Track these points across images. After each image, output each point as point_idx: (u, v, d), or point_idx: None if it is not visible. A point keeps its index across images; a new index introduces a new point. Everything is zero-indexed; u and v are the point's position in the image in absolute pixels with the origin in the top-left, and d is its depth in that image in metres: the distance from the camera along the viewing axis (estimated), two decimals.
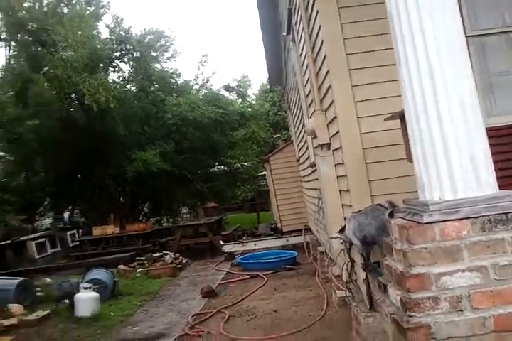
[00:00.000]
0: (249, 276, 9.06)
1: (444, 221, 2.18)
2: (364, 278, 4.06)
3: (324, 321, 5.74)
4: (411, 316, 2.12)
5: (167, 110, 15.73)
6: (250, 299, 7.33)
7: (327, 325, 5.59)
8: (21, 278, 8.20)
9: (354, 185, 4.05)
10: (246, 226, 17.35)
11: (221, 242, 12.09)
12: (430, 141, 2.30)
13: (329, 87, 4.30)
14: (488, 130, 3.69)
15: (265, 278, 8.58)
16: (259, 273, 8.98)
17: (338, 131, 4.23)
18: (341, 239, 3.91)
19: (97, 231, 14.17)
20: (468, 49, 3.99)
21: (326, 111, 4.87)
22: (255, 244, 11.52)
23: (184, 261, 11.57)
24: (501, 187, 2.39)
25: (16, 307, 7.38)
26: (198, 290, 8.21)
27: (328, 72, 4.27)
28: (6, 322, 6.70)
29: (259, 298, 7.28)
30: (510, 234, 2.16)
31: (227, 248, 11.59)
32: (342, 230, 3.91)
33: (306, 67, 5.55)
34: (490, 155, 2.34)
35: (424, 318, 2.12)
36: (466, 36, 4.09)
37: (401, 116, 2.71)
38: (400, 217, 2.52)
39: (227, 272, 9.92)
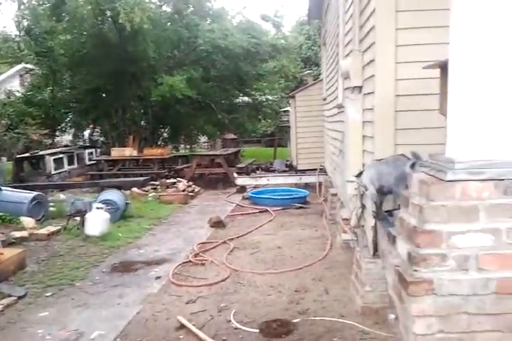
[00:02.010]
0: (258, 211, 9.18)
1: (468, 180, 2.12)
2: (373, 225, 4.07)
3: (326, 261, 5.85)
4: (416, 270, 2.13)
5: (200, 35, 15.29)
6: (256, 233, 7.46)
7: (328, 265, 5.70)
8: (36, 193, 8.35)
9: (380, 131, 3.96)
10: (262, 161, 17.40)
11: (235, 174, 12.16)
12: (471, 95, 2.18)
13: (372, 27, 4.08)
14: None
15: (273, 214, 8.69)
16: (268, 209, 9.09)
17: (373, 75, 4.07)
18: (357, 183, 3.88)
19: (115, 152, 14.31)
20: None
21: (364, 52, 4.67)
22: (268, 179, 11.57)
23: (196, 190, 11.71)
24: None
25: (28, 221, 7.59)
26: (206, 219, 8.36)
27: (373, 11, 4.03)
28: (17, 234, 6.91)
29: (265, 233, 7.41)
30: None
31: (240, 181, 11.67)
32: (359, 175, 3.87)
33: (351, 2, 5.26)
34: None
35: (428, 274, 2.12)
36: None
37: (442, 66, 2.56)
38: (423, 172, 2.46)
39: (237, 204, 10.05)
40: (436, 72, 3.00)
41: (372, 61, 4.08)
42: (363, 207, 4.66)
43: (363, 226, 4.70)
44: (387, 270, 2.66)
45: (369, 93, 4.25)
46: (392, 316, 3.94)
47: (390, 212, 3.55)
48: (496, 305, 2.14)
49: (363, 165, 4.39)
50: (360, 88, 4.74)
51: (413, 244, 2.16)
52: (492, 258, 2.12)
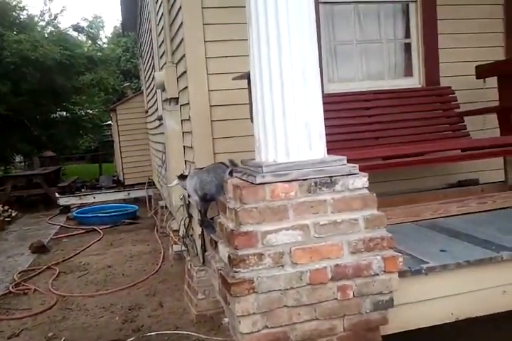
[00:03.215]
0: (84, 231, 8.76)
1: (275, 182, 2.27)
2: (200, 233, 4.14)
3: (159, 275, 5.81)
4: (236, 271, 2.20)
5: (5, 47, 14.05)
6: (84, 254, 7.12)
7: (161, 279, 5.67)
8: None
9: (198, 141, 4.04)
10: (87, 178, 16.62)
11: (57, 194, 11.43)
12: (270, 103, 2.35)
13: (182, 40, 4.16)
14: (327, 96, 3.96)
15: (102, 233, 8.38)
16: (95, 228, 8.73)
17: (186, 87, 4.14)
18: (181, 186, 3.89)
19: None
20: (319, 15, 4.18)
21: (177, 64, 4.73)
22: (94, 197, 11.13)
23: (14, 214, 10.73)
24: (332, 151, 2.55)
25: None
26: (27, 245, 7.72)
27: (181, 24, 4.12)
28: None
29: (94, 253, 7.11)
30: (332, 196, 2.33)
31: (63, 200, 11.02)
32: (181, 177, 3.88)
33: (161, 15, 5.31)
34: (323, 122, 2.46)
35: (248, 273, 2.21)
36: (318, 2, 4.25)
37: (248, 77, 2.72)
38: (237, 177, 2.57)
39: (62, 226, 9.47)
40: (245, 83, 3.17)
41: (184, 73, 4.16)
42: (190, 216, 4.72)
43: (191, 235, 4.75)
44: (213, 275, 2.72)
45: (185, 104, 4.32)
46: (226, 320, 4.04)
47: (214, 219, 3.64)
48: (311, 295, 2.31)
49: (185, 169, 4.44)
50: (176, 99, 4.79)
51: (232, 247, 2.24)
52: (303, 252, 2.28)
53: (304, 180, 2.31)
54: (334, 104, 4.14)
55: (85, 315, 4.73)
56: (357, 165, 2.42)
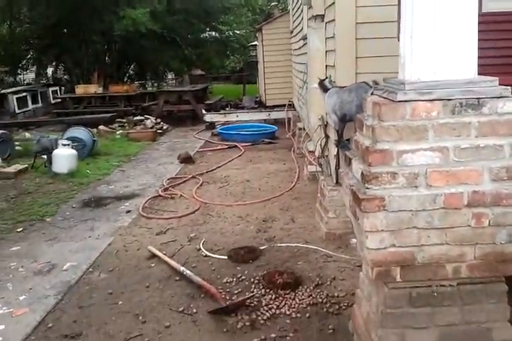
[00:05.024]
0: (227, 146, 9.26)
1: (417, 100, 2.17)
2: (335, 154, 4.17)
3: (293, 192, 6.03)
4: (368, 188, 2.22)
5: None
6: (225, 168, 7.57)
7: (295, 196, 5.88)
8: (0, 131, 8.22)
9: (341, 60, 3.96)
10: (231, 98, 17.23)
11: (203, 111, 12.07)
12: (419, 15, 2.20)
13: None
14: (485, 15, 3.57)
15: (242, 149, 8.79)
16: (237, 144, 9.16)
17: (334, 2, 4.00)
18: (319, 88, 3.88)
19: (80, 90, 13.94)
20: None
21: None
22: (237, 116, 11.55)
23: (165, 127, 11.64)
24: (485, 75, 2.35)
25: None
26: (175, 155, 8.40)
27: None
28: None
29: (234, 168, 7.53)
30: (478, 119, 2.18)
31: (209, 117, 11.61)
32: (321, 82, 3.87)
33: None
34: (476, 39, 2.26)
35: (380, 191, 2.21)
36: None
37: None
38: (377, 94, 2.50)
39: (206, 141, 10.10)
40: None
41: None
42: (327, 137, 4.75)
43: (327, 156, 4.81)
44: (344, 191, 2.77)
45: (331, 21, 4.19)
46: (354, 240, 4.14)
47: (350, 139, 3.63)
48: (444, 219, 2.26)
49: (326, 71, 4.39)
50: (322, 16, 4.66)
51: (366, 164, 2.24)
52: (440, 175, 2.21)
53: (448, 100, 2.18)
54: (492, 24, 3.72)
55: (223, 221, 5.13)
56: (510, 88, 2.21)
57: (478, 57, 2.30)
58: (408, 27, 2.28)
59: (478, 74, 2.31)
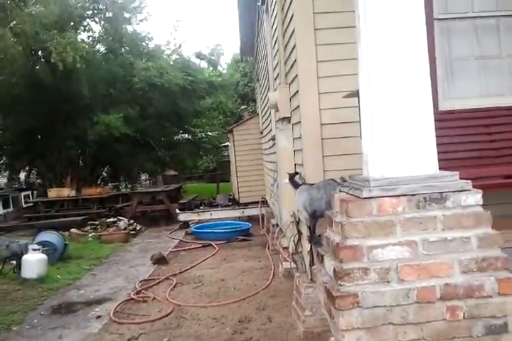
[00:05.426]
0: (201, 245, 9.17)
1: (382, 197, 2.27)
2: (309, 250, 4.18)
3: (268, 291, 5.91)
4: (341, 285, 2.22)
5: (135, 74, 15.39)
6: (199, 267, 7.44)
7: (271, 294, 5.75)
8: None
9: (309, 159, 4.12)
10: (204, 196, 17.41)
11: (177, 211, 12.11)
12: (378, 117, 2.37)
13: (295, 61, 4.31)
14: (442, 113, 3.85)
15: (217, 248, 8.70)
16: (211, 243, 9.09)
17: (298, 106, 4.26)
18: (290, 184, 3.97)
19: (53, 193, 13.92)
20: (433, 31, 4.09)
21: (290, 84, 4.90)
22: (211, 214, 11.60)
23: (138, 228, 11.56)
24: (447, 169, 2.49)
25: None
26: (148, 256, 8.27)
27: (295, 46, 4.28)
28: None
29: (209, 267, 7.41)
30: (443, 213, 2.27)
31: (183, 216, 11.64)
32: (291, 177, 3.96)
33: (276, 39, 5.54)
34: (434, 137, 2.43)
35: (353, 287, 2.22)
36: (433, 19, 4.17)
37: (359, 94, 2.76)
38: (343, 191, 2.60)
39: (180, 240, 10.00)
40: (356, 101, 3.21)
41: (297, 92, 4.28)
42: (300, 233, 4.78)
43: (301, 252, 4.80)
44: (318, 288, 2.75)
45: (297, 123, 4.43)
46: (332, 339, 4.01)
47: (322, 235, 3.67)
48: (418, 314, 2.25)
49: (295, 169, 4.51)
50: (289, 118, 4.94)
51: (337, 260, 2.27)
52: (411, 269, 2.24)
53: (412, 195, 2.28)
54: (449, 122, 4.00)
55: (198, 324, 4.94)
56: (470, 182, 2.34)
57: (438, 152, 2.45)
58: (368, 127, 2.45)
59: (440, 168, 2.45)
